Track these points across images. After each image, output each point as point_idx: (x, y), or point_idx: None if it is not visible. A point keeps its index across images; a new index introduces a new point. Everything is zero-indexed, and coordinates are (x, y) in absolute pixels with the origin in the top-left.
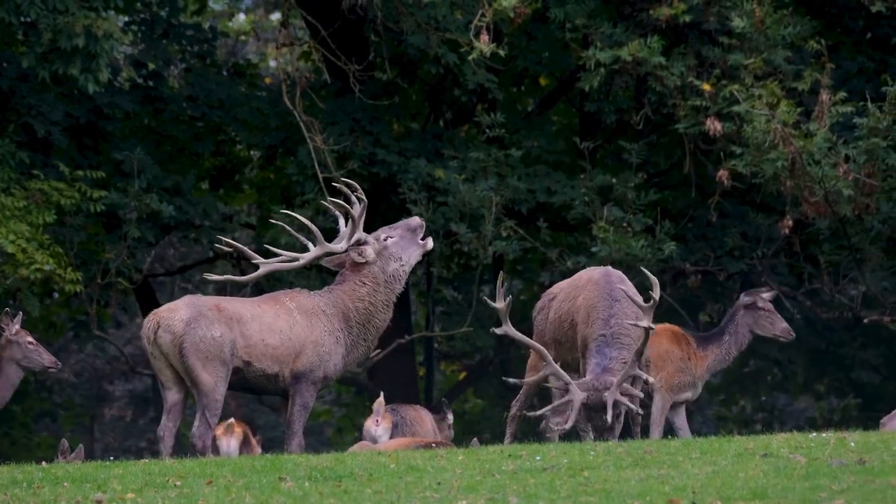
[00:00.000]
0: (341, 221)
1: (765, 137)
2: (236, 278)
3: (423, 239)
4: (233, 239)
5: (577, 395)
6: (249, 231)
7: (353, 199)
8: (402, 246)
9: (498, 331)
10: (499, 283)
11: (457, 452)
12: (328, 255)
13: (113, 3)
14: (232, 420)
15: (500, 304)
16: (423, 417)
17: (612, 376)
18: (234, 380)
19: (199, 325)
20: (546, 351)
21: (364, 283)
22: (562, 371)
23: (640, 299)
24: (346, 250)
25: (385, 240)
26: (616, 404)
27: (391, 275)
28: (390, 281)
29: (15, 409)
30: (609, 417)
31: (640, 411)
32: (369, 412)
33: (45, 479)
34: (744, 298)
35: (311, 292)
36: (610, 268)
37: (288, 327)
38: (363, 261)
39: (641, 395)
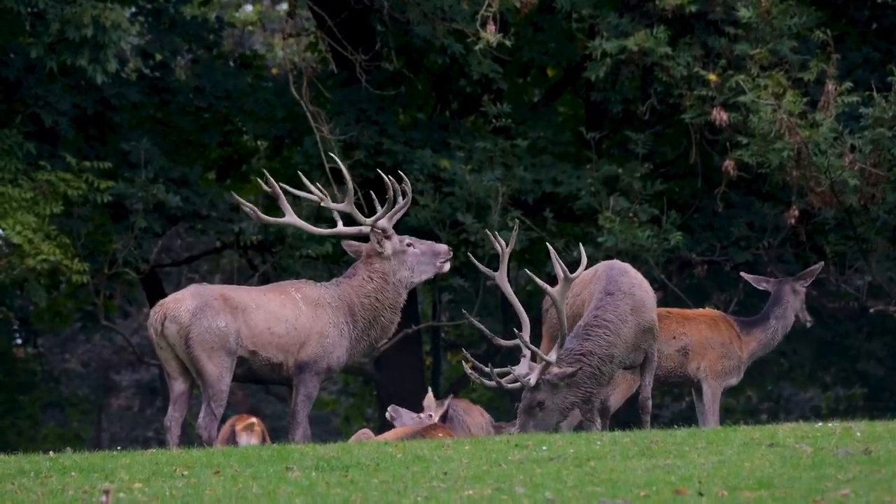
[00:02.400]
0: (339, 224)
1: (771, 127)
2: (263, 215)
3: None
4: (239, 229)
5: (520, 369)
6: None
7: (401, 190)
8: (420, 260)
9: (490, 272)
10: (515, 229)
11: (463, 442)
12: (354, 226)
13: None
14: (254, 420)
15: (504, 246)
16: (472, 409)
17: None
18: (240, 370)
19: (205, 315)
20: (527, 320)
21: (372, 279)
22: (528, 342)
23: (643, 287)
24: (372, 228)
25: (408, 245)
26: (537, 387)
27: (399, 279)
28: (397, 284)
29: (22, 399)
30: (508, 386)
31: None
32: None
33: (52, 469)
34: (795, 284)
35: (318, 284)
36: (616, 261)
37: (293, 317)
38: (380, 251)
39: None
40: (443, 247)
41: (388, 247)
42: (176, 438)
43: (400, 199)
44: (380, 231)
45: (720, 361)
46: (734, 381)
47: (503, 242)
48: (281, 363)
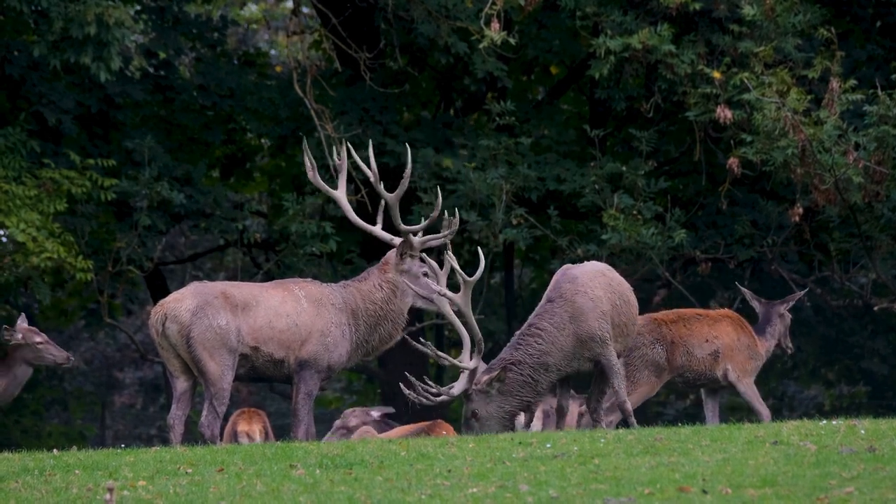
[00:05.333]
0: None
1: (775, 125)
2: (319, 180)
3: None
4: (243, 228)
5: (459, 385)
6: (261, 219)
7: (449, 222)
8: (423, 291)
9: (446, 292)
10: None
11: (467, 440)
12: (386, 231)
13: None
14: (257, 427)
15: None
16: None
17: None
18: (243, 368)
19: (206, 314)
20: (468, 339)
21: (382, 288)
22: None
23: (589, 294)
24: (405, 239)
25: (425, 274)
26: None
27: (403, 297)
28: (401, 302)
29: (26, 397)
30: (447, 396)
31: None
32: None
33: (56, 467)
34: (782, 309)
35: (322, 283)
36: (572, 266)
37: (295, 312)
38: (400, 264)
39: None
40: (446, 301)
41: (408, 265)
42: (179, 436)
43: (444, 229)
44: (409, 245)
45: (749, 362)
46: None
47: (452, 261)
48: (282, 359)
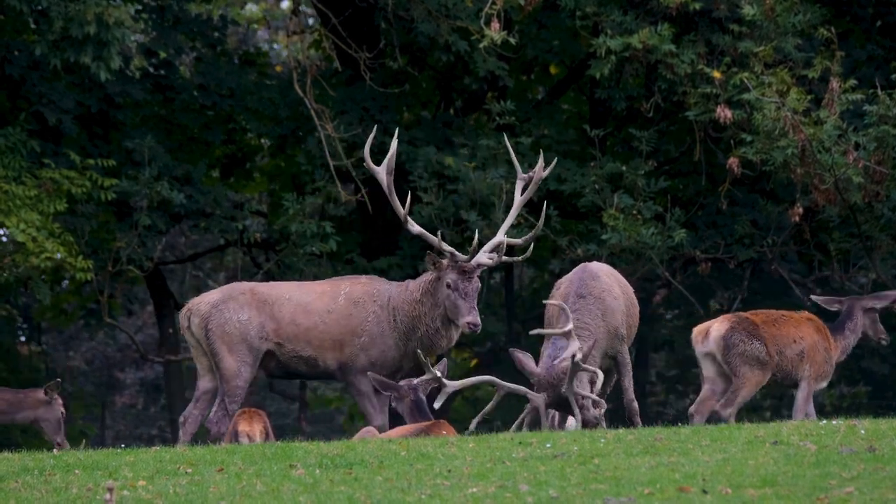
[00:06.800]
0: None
1: (775, 125)
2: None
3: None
4: (243, 228)
5: (539, 400)
6: (261, 219)
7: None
8: (451, 312)
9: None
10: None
11: (467, 440)
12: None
13: None
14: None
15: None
16: None
17: (561, 366)
18: (273, 364)
19: (227, 308)
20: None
21: (420, 290)
22: (512, 385)
23: (612, 293)
24: (461, 262)
25: (455, 294)
26: (583, 398)
27: (436, 305)
28: (432, 308)
29: None
30: (576, 412)
31: (595, 398)
32: None
33: (56, 467)
34: (868, 304)
35: (380, 281)
36: (588, 264)
37: (326, 311)
38: (445, 278)
39: (592, 395)
40: (467, 319)
41: (453, 279)
42: (189, 436)
43: (494, 255)
44: (461, 261)
45: (824, 366)
46: (825, 384)
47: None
48: (314, 357)
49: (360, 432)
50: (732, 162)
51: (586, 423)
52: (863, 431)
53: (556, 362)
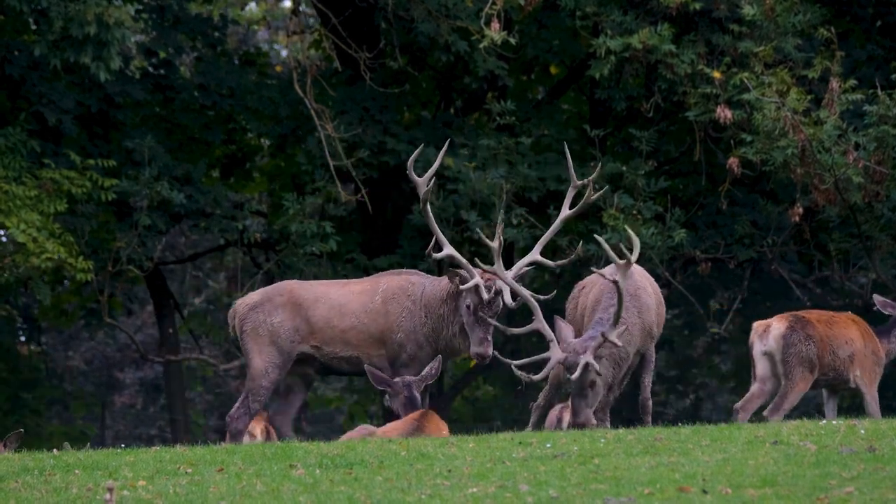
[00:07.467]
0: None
1: (775, 125)
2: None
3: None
4: (243, 228)
5: (556, 354)
6: (261, 219)
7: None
8: (468, 332)
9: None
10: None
11: (467, 440)
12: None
13: None
14: (259, 427)
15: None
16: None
17: (593, 342)
18: (317, 366)
19: (263, 309)
20: (536, 304)
21: (448, 298)
22: (548, 328)
23: (647, 291)
24: (483, 276)
25: (472, 318)
26: (587, 367)
27: (453, 311)
28: (458, 314)
29: (26, 396)
30: (575, 375)
31: (600, 373)
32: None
33: (56, 467)
34: None
35: (413, 274)
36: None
37: (363, 311)
38: (463, 294)
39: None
40: (476, 350)
41: (474, 302)
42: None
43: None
44: (484, 277)
45: (874, 369)
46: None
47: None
48: (354, 356)
49: (357, 430)
50: (732, 162)
51: (576, 414)
52: (863, 431)
53: (590, 338)
